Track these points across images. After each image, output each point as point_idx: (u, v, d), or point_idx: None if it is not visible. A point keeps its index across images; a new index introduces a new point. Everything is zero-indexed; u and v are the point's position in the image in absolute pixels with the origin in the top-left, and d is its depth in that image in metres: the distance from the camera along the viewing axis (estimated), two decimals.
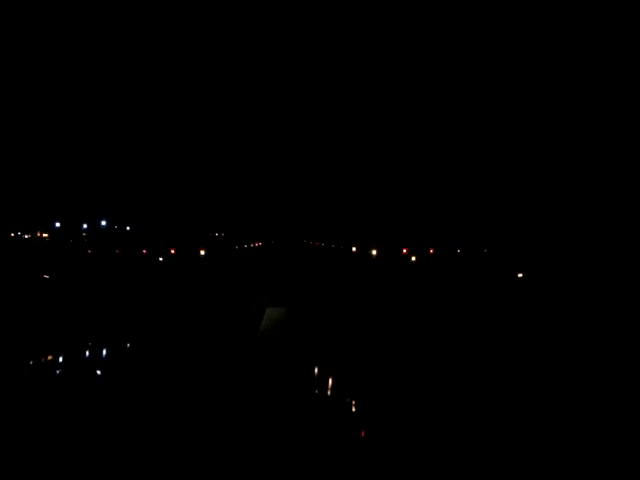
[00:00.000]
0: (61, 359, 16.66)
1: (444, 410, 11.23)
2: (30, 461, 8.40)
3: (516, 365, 14.10)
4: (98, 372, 15.92)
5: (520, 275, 41.38)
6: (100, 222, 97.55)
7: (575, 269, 41.29)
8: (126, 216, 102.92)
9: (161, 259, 58.94)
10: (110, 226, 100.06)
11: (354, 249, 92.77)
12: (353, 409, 12.44)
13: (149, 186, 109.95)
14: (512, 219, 67.74)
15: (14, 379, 13.87)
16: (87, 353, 17.63)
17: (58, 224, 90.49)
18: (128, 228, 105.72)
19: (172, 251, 67.12)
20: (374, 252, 72.40)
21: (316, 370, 15.62)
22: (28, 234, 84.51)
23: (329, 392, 13.90)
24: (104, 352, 17.75)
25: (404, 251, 71.06)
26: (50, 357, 17.55)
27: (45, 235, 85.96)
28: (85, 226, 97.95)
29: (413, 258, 64.81)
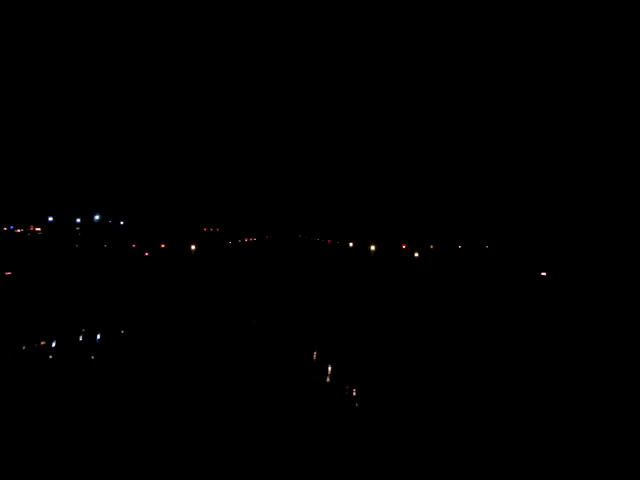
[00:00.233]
0: (52, 352, 16.12)
1: (441, 403, 11.15)
2: (26, 454, 8.32)
3: (515, 364, 13.88)
4: (93, 362, 15.61)
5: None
6: (94, 216, 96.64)
7: (575, 269, 41.25)
8: (119, 210, 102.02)
9: (149, 255, 57.86)
10: (103, 220, 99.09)
11: (351, 244, 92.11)
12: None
13: (142, 180, 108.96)
14: (511, 218, 67.38)
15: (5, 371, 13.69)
16: (81, 342, 17.28)
17: (51, 218, 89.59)
18: (122, 223, 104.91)
19: (162, 246, 65.96)
20: (372, 247, 71.71)
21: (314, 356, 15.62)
22: (20, 228, 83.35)
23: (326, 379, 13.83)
24: (99, 340, 17.22)
25: (403, 246, 70.65)
26: (43, 343, 17.36)
27: (38, 229, 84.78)
28: (78, 220, 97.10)
29: (415, 254, 64.23)
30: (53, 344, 16.88)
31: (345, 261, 58.24)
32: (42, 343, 16.78)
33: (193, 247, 75.01)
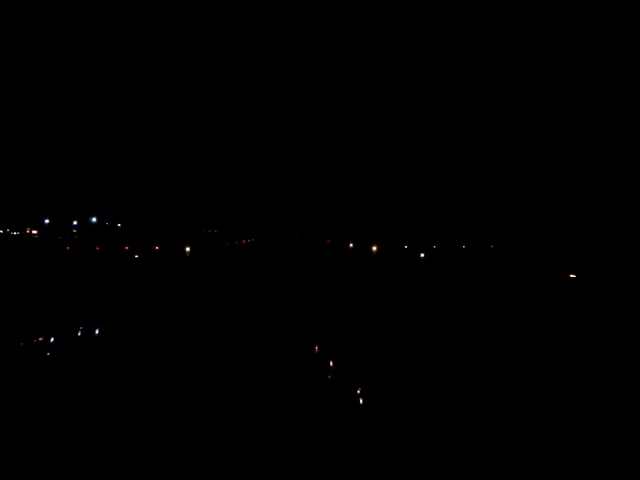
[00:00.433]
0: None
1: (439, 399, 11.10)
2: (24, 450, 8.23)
3: (515, 364, 13.72)
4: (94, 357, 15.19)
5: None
6: (90, 219, 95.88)
7: (573, 268, 41.05)
8: (115, 213, 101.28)
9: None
10: (100, 222, 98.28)
11: (351, 245, 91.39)
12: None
13: (139, 182, 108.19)
14: (516, 218, 66.95)
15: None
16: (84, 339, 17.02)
17: (47, 220, 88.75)
18: (119, 225, 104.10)
19: (156, 248, 65.04)
20: (374, 248, 70.99)
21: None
22: (17, 231, 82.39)
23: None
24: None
25: (405, 247, 69.98)
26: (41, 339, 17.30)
27: (35, 232, 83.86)
28: (75, 223, 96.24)
29: (417, 255, 63.53)
30: (47, 344, 16.69)
31: (345, 262, 57.40)
32: (40, 339, 16.69)
33: (192, 249, 74.11)
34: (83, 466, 7.81)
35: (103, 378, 12.54)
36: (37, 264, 41.59)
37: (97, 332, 18.74)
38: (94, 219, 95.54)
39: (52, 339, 17.29)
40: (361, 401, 10.84)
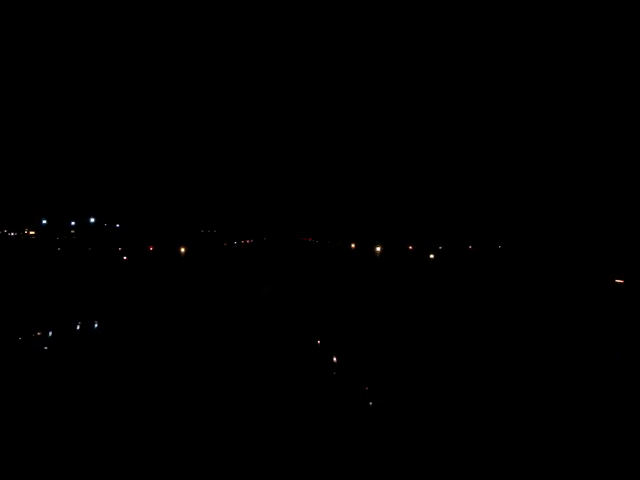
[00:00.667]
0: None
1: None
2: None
3: (515, 364, 13.58)
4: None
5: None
6: (89, 219, 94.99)
7: (573, 267, 41.41)
8: (113, 214, 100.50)
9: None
10: (98, 223, 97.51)
11: (353, 245, 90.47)
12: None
13: (137, 182, 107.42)
14: (522, 218, 66.32)
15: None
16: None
17: (45, 221, 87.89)
18: (117, 225, 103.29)
19: (150, 248, 64.17)
20: (378, 249, 70.01)
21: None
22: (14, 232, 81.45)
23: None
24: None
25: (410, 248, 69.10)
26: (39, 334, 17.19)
27: (32, 232, 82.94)
28: (73, 223, 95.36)
29: (419, 256, 62.61)
30: (43, 342, 16.40)
31: (346, 263, 56.61)
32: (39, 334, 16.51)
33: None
34: (82, 465, 7.60)
35: (101, 378, 12.23)
36: (34, 264, 41.08)
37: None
38: (92, 219, 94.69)
39: (48, 336, 17.08)
40: (367, 399, 10.61)
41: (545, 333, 17.42)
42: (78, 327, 18.86)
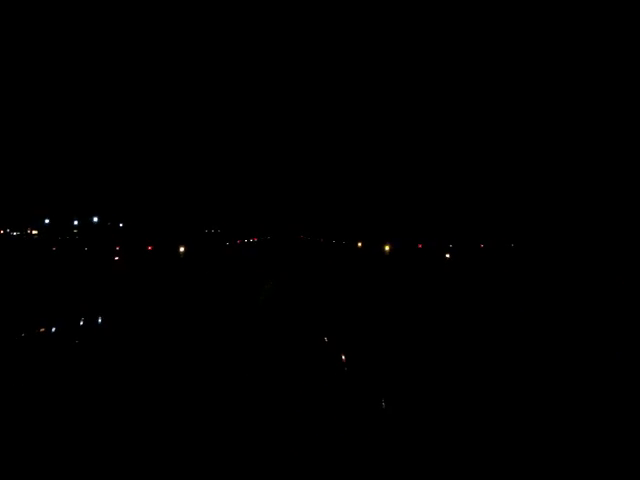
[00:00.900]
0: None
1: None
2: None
3: (513, 363, 13.47)
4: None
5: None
6: (92, 219, 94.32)
7: (572, 267, 41.64)
8: (117, 212, 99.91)
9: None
10: (102, 222, 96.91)
11: (359, 244, 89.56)
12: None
13: (141, 181, 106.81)
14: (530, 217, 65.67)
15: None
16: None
17: (47, 220, 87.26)
18: (121, 225, 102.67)
19: (149, 248, 63.31)
20: (387, 248, 69.02)
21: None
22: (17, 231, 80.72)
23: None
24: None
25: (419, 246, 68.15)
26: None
27: (35, 232, 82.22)
28: (76, 222, 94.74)
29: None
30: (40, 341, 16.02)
31: (351, 263, 55.87)
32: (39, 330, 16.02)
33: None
34: (82, 465, 7.42)
35: (100, 378, 11.79)
36: (37, 263, 40.52)
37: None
38: (95, 219, 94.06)
39: (46, 337, 16.94)
40: (380, 400, 10.40)
41: (546, 333, 17.31)
42: (77, 328, 18.65)
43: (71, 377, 11.76)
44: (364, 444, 8.00)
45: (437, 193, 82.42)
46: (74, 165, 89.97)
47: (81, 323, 19.05)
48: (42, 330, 17.68)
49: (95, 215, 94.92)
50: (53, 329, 17.95)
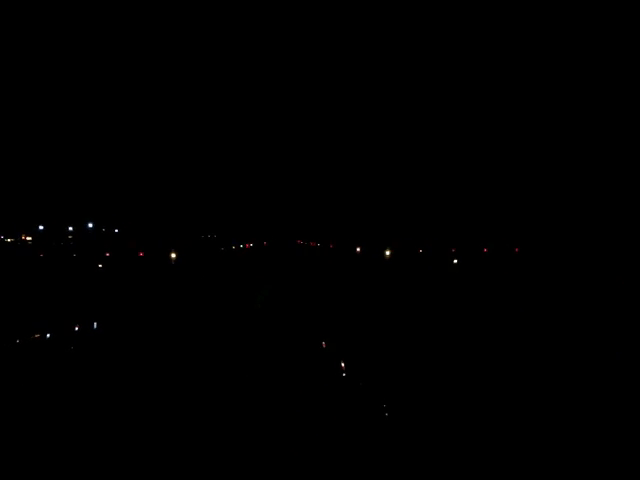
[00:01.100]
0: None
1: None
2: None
3: (515, 364, 13.57)
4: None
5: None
6: (87, 224, 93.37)
7: (571, 267, 41.92)
8: (112, 219, 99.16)
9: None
10: (97, 228, 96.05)
11: (358, 249, 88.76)
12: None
13: (136, 186, 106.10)
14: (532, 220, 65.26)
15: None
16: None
17: (42, 227, 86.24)
18: (116, 230, 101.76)
19: (140, 254, 62.47)
20: (387, 253, 68.18)
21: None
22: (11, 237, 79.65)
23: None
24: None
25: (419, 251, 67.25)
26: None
27: (29, 238, 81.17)
28: (71, 228, 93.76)
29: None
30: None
31: (351, 267, 55.34)
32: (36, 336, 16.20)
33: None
34: (82, 465, 7.56)
35: (100, 379, 11.91)
36: (31, 269, 40.12)
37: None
38: (90, 225, 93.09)
39: (43, 340, 16.98)
40: (381, 405, 10.32)
41: (546, 333, 17.42)
42: (74, 331, 18.55)
43: (65, 384, 11.55)
44: (362, 448, 8.03)
45: (440, 197, 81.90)
46: (69, 171, 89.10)
47: (72, 330, 18.79)
48: (36, 337, 17.35)
49: (90, 221, 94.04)
50: (46, 336, 17.56)
